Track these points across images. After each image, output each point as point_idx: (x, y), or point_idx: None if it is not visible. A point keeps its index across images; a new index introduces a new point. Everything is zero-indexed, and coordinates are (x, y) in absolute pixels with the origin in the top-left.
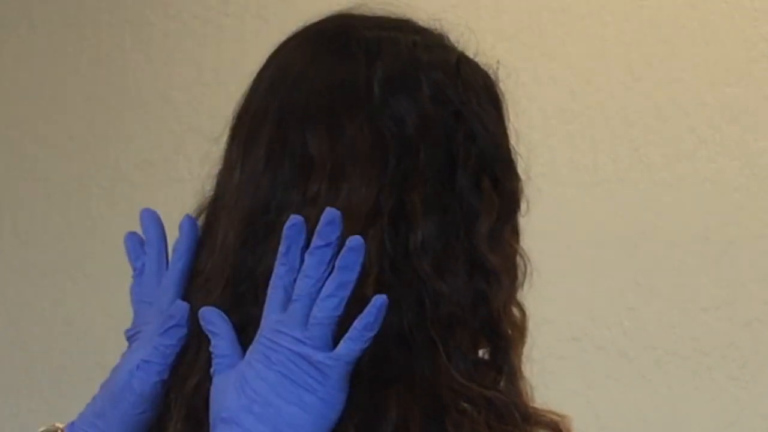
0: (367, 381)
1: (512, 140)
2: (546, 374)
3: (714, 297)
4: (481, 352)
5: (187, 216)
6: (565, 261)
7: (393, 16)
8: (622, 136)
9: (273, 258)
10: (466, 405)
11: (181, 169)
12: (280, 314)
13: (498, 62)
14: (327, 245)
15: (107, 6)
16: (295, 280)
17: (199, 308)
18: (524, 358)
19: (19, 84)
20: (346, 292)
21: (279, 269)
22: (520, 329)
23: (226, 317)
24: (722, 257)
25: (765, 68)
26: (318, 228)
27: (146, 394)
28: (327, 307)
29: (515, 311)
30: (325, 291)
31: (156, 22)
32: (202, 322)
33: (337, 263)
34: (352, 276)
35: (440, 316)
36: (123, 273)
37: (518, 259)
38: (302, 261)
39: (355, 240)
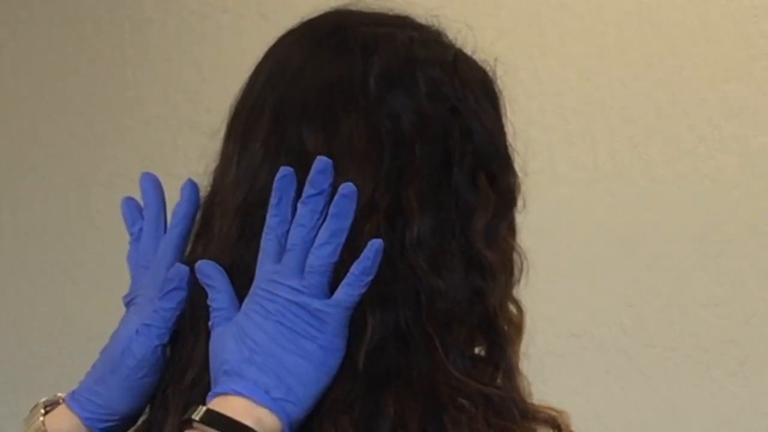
0: (364, 377)
1: (509, 137)
2: (545, 371)
3: (713, 294)
4: (477, 349)
5: (189, 180)
6: (565, 258)
7: (391, 13)
8: (622, 134)
9: None
10: (463, 401)
11: (180, 165)
12: (274, 265)
13: (496, 59)
14: (319, 193)
15: (106, 4)
16: (287, 232)
17: (198, 303)
18: (522, 355)
19: (19, 83)
20: (341, 239)
21: (271, 220)
22: (517, 326)
23: (223, 270)
24: (722, 254)
25: (764, 65)
26: (309, 177)
27: (147, 358)
28: (322, 255)
29: (512, 308)
30: (319, 239)
31: (155, 19)
32: (198, 275)
33: (330, 210)
34: (346, 223)
35: (436, 312)
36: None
37: (515, 255)
38: (294, 212)
39: (347, 187)
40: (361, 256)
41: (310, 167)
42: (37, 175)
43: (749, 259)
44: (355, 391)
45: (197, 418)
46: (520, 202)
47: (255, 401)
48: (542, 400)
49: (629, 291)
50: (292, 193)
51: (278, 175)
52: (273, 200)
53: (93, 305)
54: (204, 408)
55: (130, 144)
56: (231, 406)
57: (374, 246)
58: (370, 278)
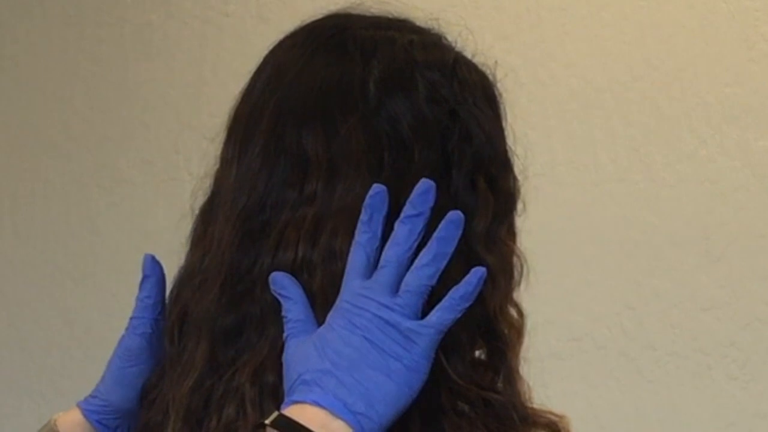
0: None
1: (509, 140)
2: (546, 374)
3: (714, 297)
4: (478, 353)
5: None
6: (566, 261)
7: (390, 16)
8: (622, 136)
9: (269, 257)
10: (464, 406)
11: (180, 168)
12: (362, 280)
13: (496, 62)
14: (419, 215)
15: (107, 6)
16: (376, 249)
17: (197, 309)
18: (522, 358)
19: (20, 86)
20: (442, 264)
21: (361, 236)
22: (518, 330)
23: (297, 282)
24: (722, 257)
25: (765, 68)
26: (411, 198)
27: (132, 348)
28: (422, 276)
29: (512, 311)
30: (421, 260)
31: (156, 22)
32: (273, 287)
33: (436, 234)
34: (450, 248)
35: None
36: (123, 273)
37: (514, 259)
38: (383, 230)
39: (455, 214)
40: (463, 281)
41: (309, 171)
42: (37, 176)
43: (750, 262)
44: None
45: (268, 422)
46: (519, 206)
47: (332, 413)
48: (543, 403)
49: (630, 294)
50: (384, 211)
51: (371, 192)
52: (364, 217)
53: (93, 305)
54: (277, 413)
55: (131, 147)
56: (307, 415)
57: (477, 273)
58: (468, 305)
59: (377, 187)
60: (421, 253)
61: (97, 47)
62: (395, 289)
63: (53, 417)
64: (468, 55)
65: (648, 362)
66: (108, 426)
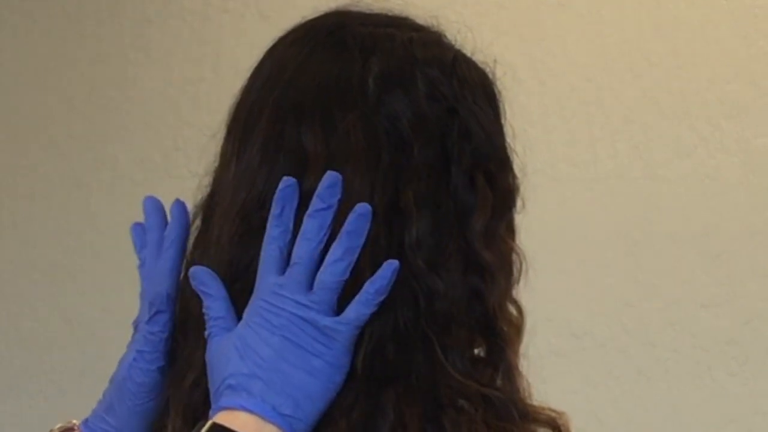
0: (363, 379)
1: (509, 138)
2: (545, 371)
3: (713, 294)
4: (477, 350)
5: (177, 201)
6: (565, 258)
7: (390, 14)
8: (622, 133)
9: None
10: (463, 403)
11: (180, 166)
12: (277, 277)
13: (495, 60)
14: (328, 208)
15: (107, 4)
16: (289, 242)
17: (197, 306)
18: (521, 355)
19: (19, 82)
20: (353, 258)
21: (273, 231)
22: (517, 327)
23: (218, 277)
24: (722, 254)
25: (765, 65)
26: (318, 191)
27: (146, 384)
28: (335, 272)
29: (511, 308)
30: (332, 255)
31: (155, 19)
32: (193, 282)
33: (344, 228)
34: (359, 241)
35: (435, 313)
36: (123, 271)
37: (514, 256)
38: (295, 223)
39: (362, 207)
40: (376, 275)
41: (308, 168)
42: (37, 175)
43: (750, 259)
44: (354, 393)
45: None
46: (519, 203)
47: (264, 418)
48: (542, 400)
49: (629, 291)
50: (295, 204)
51: (281, 186)
52: (275, 210)
53: (93, 305)
54: (211, 422)
55: (131, 144)
56: (240, 422)
57: (391, 266)
58: (383, 298)
59: (287, 180)
60: (332, 249)
61: (97, 45)
62: (309, 285)
63: None
64: (467, 53)
65: (647, 359)
66: None
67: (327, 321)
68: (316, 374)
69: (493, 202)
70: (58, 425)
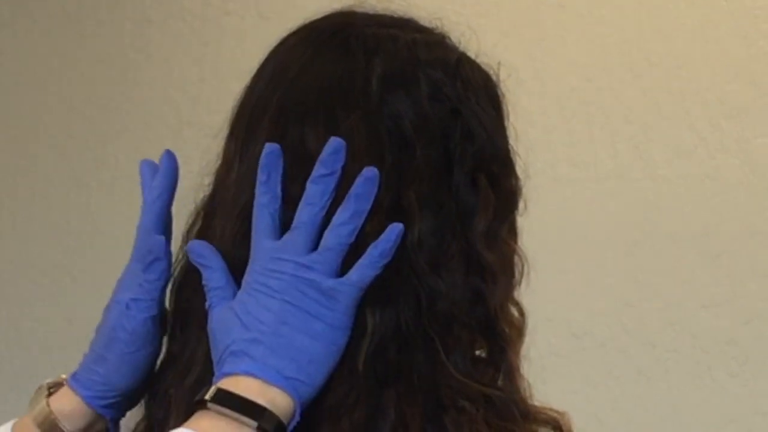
0: (365, 378)
1: (511, 140)
2: (546, 372)
3: (714, 294)
4: (478, 351)
5: (167, 151)
6: (565, 258)
7: (394, 15)
8: (622, 133)
9: None
10: (464, 403)
11: (180, 166)
12: (273, 242)
13: (499, 63)
14: (331, 174)
15: (107, 5)
16: (278, 208)
17: (199, 305)
18: (522, 357)
19: (19, 82)
20: (360, 221)
21: (261, 198)
22: (518, 328)
23: (216, 250)
24: (722, 254)
25: (765, 66)
26: (321, 157)
27: (138, 332)
28: (341, 234)
29: (513, 310)
30: (339, 218)
31: (156, 20)
32: (191, 255)
33: (352, 191)
34: (366, 205)
35: (437, 314)
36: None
37: (515, 258)
38: (283, 189)
39: (370, 170)
40: (381, 237)
41: (311, 168)
42: (37, 175)
43: (750, 260)
44: (355, 392)
45: (209, 398)
46: (521, 205)
47: (267, 381)
48: (543, 401)
49: (630, 291)
50: (280, 170)
51: (265, 151)
52: (261, 177)
53: (93, 305)
54: (215, 387)
55: (131, 144)
56: (243, 386)
57: (395, 229)
58: (386, 261)
59: (271, 146)
60: (339, 211)
61: (97, 45)
62: (310, 248)
63: (44, 395)
64: (471, 55)
65: (648, 360)
66: (108, 408)
67: (330, 282)
68: (318, 337)
69: (495, 203)
70: (48, 380)
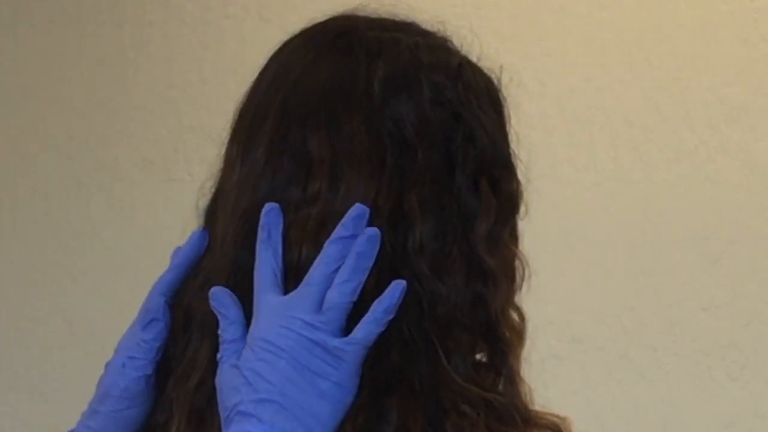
0: (367, 383)
1: (513, 143)
2: (546, 375)
3: (714, 297)
4: (479, 355)
5: (202, 228)
6: (565, 261)
7: (397, 18)
8: (622, 136)
9: None
10: (466, 407)
11: (180, 169)
12: (280, 297)
13: (501, 67)
14: (351, 237)
15: (107, 6)
16: (280, 264)
17: (200, 308)
18: (523, 361)
19: (19, 84)
20: (362, 278)
21: (263, 254)
22: (519, 333)
23: (237, 299)
24: (722, 257)
25: (765, 68)
26: (345, 220)
27: (130, 390)
28: (344, 292)
29: (513, 315)
30: (341, 276)
31: (156, 22)
32: (212, 302)
33: (354, 249)
34: (369, 263)
35: (438, 318)
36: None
37: (516, 262)
38: (283, 245)
39: (372, 230)
40: (384, 294)
41: (312, 170)
42: (37, 175)
43: (750, 262)
44: (358, 398)
45: None
46: (522, 209)
47: None
48: (543, 405)
49: (630, 294)
50: (280, 226)
51: (265, 210)
52: (262, 235)
53: (93, 305)
54: None
55: (131, 146)
56: None
57: (399, 286)
58: (391, 317)
59: (270, 205)
60: (341, 269)
61: (97, 47)
62: (318, 308)
63: None
64: (473, 58)
65: (648, 362)
66: None
67: (336, 342)
68: (325, 397)
69: (497, 207)
70: None
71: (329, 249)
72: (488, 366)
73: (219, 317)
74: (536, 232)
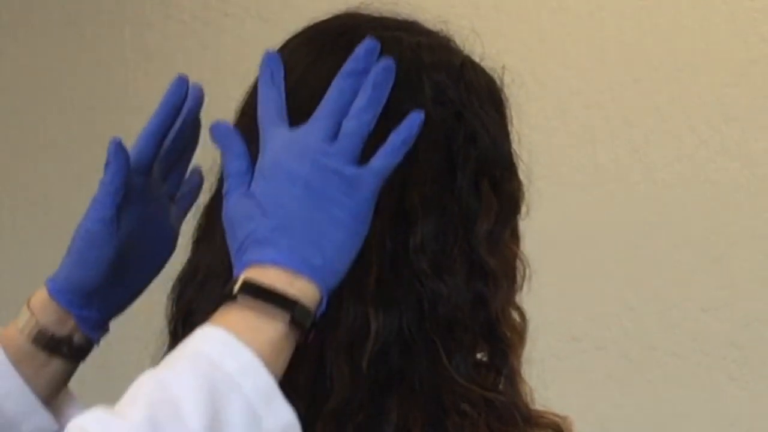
0: (368, 382)
1: (514, 144)
2: (546, 375)
3: (714, 297)
4: (479, 355)
5: (179, 75)
6: (566, 261)
7: (399, 18)
8: (622, 137)
9: None
10: (466, 407)
11: None
12: (290, 129)
13: (503, 67)
14: (363, 71)
15: (107, 6)
16: (284, 104)
17: (200, 306)
18: (523, 361)
19: (19, 84)
20: (378, 109)
21: (267, 91)
22: (519, 332)
23: (239, 133)
24: (722, 257)
25: (765, 69)
26: (357, 53)
27: (94, 231)
28: (362, 121)
29: (514, 314)
30: (358, 105)
31: (155, 22)
32: (214, 137)
33: (371, 79)
34: (384, 93)
35: (438, 317)
36: None
37: (517, 262)
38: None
39: (388, 60)
40: (402, 124)
41: None
42: (37, 175)
43: (750, 263)
44: (358, 396)
45: (236, 291)
46: (523, 209)
47: (295, 271)
48: (544, 405)
49: (630, 294)
50: (282, 72)
51: (265, 56)
52: (264, 76)
53: None
54: (242, 279)
55: (131, 145)
56: (272, 276)
57: (417, 118)
58: (407, 149)
59: (270, 53)
60: (358, 99)
61: (97, 48)
62: (333, 137)
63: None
64: (475, 58)
65: (648, 362)
66: (74, 304)
67: (351, 169)
68: (341, 225)
69: (498, 207)
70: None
71: (341, 82)
72: (489, 366)
73: (222, 151)
74: (536, 232)
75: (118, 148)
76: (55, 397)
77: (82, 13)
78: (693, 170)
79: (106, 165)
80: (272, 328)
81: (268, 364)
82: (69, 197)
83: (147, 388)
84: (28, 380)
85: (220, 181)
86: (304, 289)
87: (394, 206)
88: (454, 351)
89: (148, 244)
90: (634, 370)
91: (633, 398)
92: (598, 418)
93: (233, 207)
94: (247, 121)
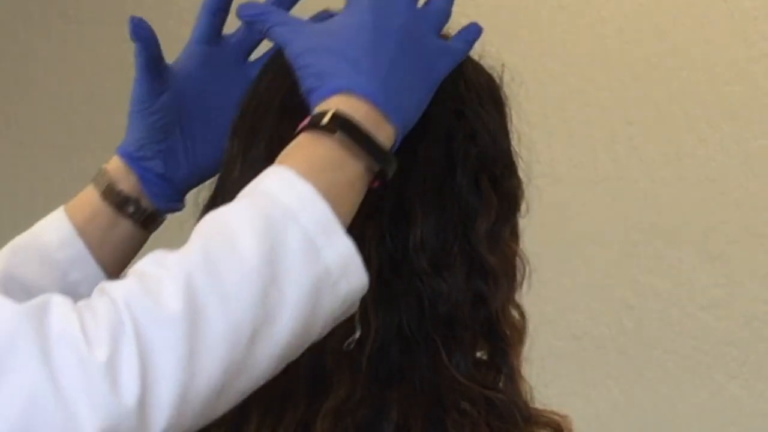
0: (368, 380)
1: (514, 142)
2: (545, 373)
3: (713, 296)
4: (479, 353)
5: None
6: (565, 260)
7: None
8: (622, 135)
9: None
10: (466, 405)
11: None
12: None
13: (503, 65)
14: None
15: (107, 5)
16: None
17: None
18: (523, 359)
19: (19, 84)
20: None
21: None
22: (519, 330)
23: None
24: (722, 256)
25: (764, 67)
26: None
27: (137, 103)
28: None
29: (514, 313)
30: None
31: (155, 21)
32: (242, 14)
33: None
34: None
35: (438, 315)
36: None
37: (517, 260)
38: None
39: None
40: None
41: None
42: (37, 175)
43: (749, 261)
44: (358, 394)
45: (327, 122)
46: (523, 207)
47: (383, 113)
48: (543, 403)
49: (629, 292)
50: None
51: None
52: None
53: None
54: (331, 112)
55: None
56: (362, 113)
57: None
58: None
59: None
60: None
61: (97, 47)
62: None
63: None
64: (475, 56)
65: (647, 361)
66: (133, 158)
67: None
68: (424, 81)
69: (497, 205)
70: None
71: None
72: (489, 364)
73: (258, 22)
74: (536, 231)
75: (137, 26)
76: (121, 270)
77: (82, 12)
78: (692, 168)
79: (135, 39)
80: (352, 166)
81: (335, 205)
82: (69, 197)
83: (204, 225)
84: (94, 248)
85: (220, 182)
86: (388, 132)
87: (393, 204)
88: (454, 349)
89: (213, 112)
90: (634, 368)
91: (632, 397)
92: (596, 416)
93: (298, 45)
94: (247, 122)
